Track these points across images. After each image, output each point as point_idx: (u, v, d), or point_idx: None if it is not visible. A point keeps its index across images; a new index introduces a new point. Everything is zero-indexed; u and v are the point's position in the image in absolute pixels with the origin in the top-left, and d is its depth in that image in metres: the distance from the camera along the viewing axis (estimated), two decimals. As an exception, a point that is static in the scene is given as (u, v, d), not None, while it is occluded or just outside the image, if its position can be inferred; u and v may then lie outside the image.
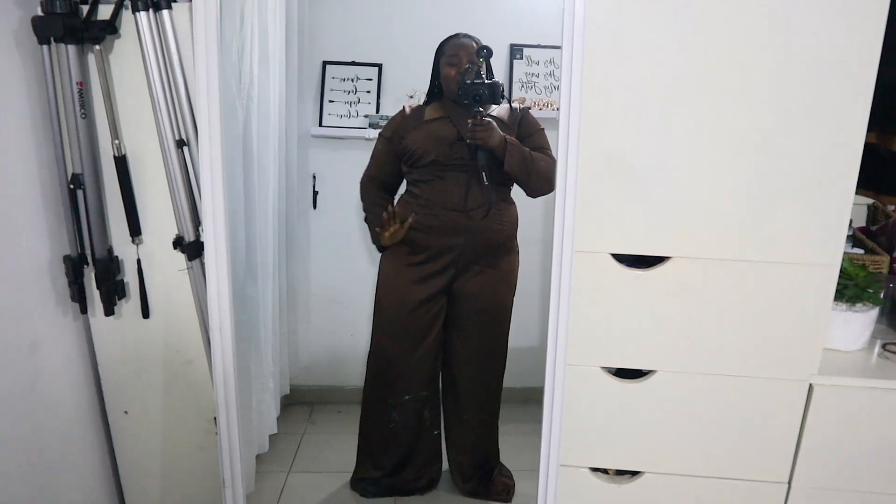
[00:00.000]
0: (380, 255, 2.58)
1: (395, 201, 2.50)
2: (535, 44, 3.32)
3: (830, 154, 1.59)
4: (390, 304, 2.49)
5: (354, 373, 3.46)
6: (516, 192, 2.50)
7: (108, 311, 1.85)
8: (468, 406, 2.61)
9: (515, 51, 3.33)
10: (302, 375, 3.42)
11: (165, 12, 1.72)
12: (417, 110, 2.46)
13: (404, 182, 2.56)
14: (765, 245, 1.66)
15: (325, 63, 3.25)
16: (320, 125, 3.25)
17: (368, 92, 3.28)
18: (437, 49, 2.44)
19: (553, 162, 2.30)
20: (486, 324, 2.53)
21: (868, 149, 1.61)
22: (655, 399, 1.78)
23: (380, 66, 3.26)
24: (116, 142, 1.78)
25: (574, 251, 1.69)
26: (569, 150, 1.64)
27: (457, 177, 2.34)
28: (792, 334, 1.70)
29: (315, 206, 3.33)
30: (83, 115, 1.71)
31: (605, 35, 1.58)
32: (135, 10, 1.69)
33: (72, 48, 1.68)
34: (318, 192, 3.30)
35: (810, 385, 1.72)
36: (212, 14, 1.61)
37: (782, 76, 1.56)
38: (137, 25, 1.70)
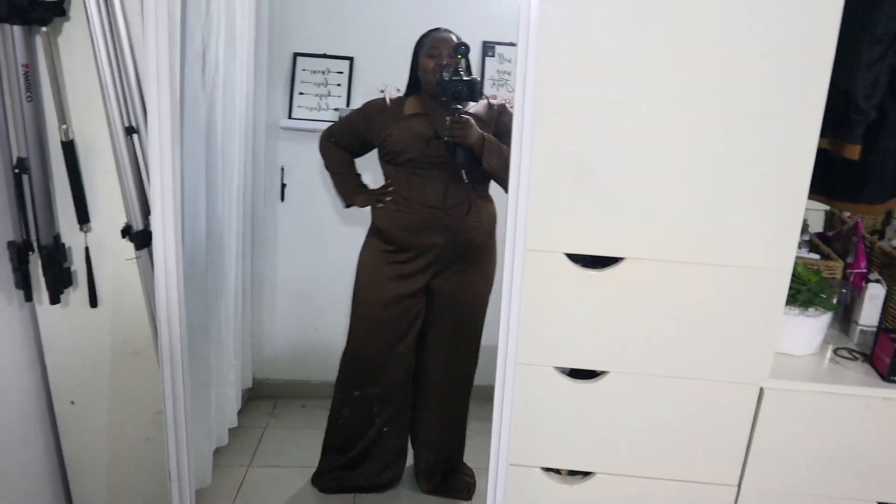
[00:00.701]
0: (355, 248, 2.56)
1: (378, 189, 2.46)
2: (508, 41, 3.28)
3: (783, 158, 1.57)
4: (369, 301, 2.46)
5: (319, 367, 3.41)
6: (494, 191, 2.48)
7: (54, 300, 1.79)
8: (438, 403, 2.61)
9: (488, 48, 3.30)
10: (266, 369, 3.37)
11: (115, -8, 1.67)
12: (397, 102, 2.42)
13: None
14: (718, 248, 1.64)
15: (295, 55, 3.21)
16: (290, 117, 3.22)
17: (339, 85, 3.24)
18: (417, 42, 2.40)
19: None
20: (461, 322, 2.51)
21: (822, 155, 1.60)
22: (608, 400, 1.76)
23: (351, 59, 3.23)
24: (64, 126, 1.72)
25: (526, 250, 1.66)
26: (522, 148, 1.62)
27: (433, 175, 2.31)
28: (743, 338, 1.69)
29: (283, 199, 3.28)
30: (29, 99, 1.66)
31: (559, 33, 1.56)
32: (82, -10, 1.64)
33: (17, 29, 1.62)
34: (286, 185, 3.25)
35: (761, 388, 1.71)
36: (163, -6, 1.57)
37: (735, 79, 1.54)
38: (86, 7, 1.64)
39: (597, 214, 1.65)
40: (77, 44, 1.73)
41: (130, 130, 1.73)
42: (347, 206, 2.52)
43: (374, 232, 2.47)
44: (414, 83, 2.44)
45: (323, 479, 2.66)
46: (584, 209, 1.65)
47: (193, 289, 2.27)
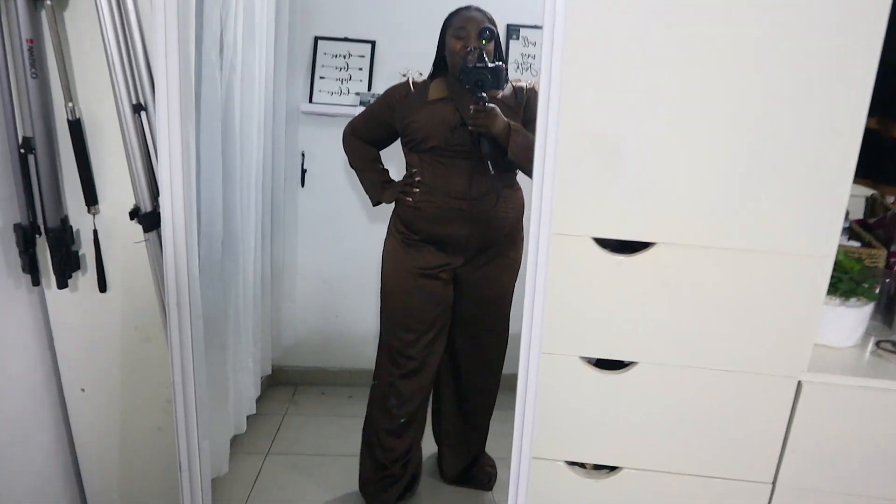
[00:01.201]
0: (376, 235, 2.45)
1: (402, 180, 2.32)
2: (533, 24, 3.16)
3: (828, 139, 1.45)
4: (397, 293, 2.32)
5: (340, 354, 3.33)
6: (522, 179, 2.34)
7: (62, 284, 1.70)
8: (465, 396, 2.49)
9: (512, 31, 3.18)
10: (286, 356, 3.29)
11: (122, -34, 1.57)
12: (422, 86, 2.26)
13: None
14: (756, 233, 1.53)
15: (316, 38, 3.12)
16: (310, 102, 3.12)
17: (360, 69, 3.14)
18: (445, 20, 2.23)
19: None
20: (488, 313, 2.38)
21: (868, 135, 1.48)
22: (636, 392, 1.66)
23: (373, 43, 3.12)
24: (70, 104, 1.62)
25: (552, 234, 1.54)
26: (548, 129, 1.50)
27: (459, 164, 2.15)
28: (781, 328, 1.57)
29: (303, 185, 3.19)
30: (34, 75, 1.56)
31: (587, 8, 1.44)
32: (89, -36, 1.54)
33: (21, 3, 1.51)
34: (306, 171, 3.16)
35: (799, 382, 1.60)
36: (169, -32, 1.46)
37: (775, 53, 1.42)
38: (92, -19, 1.55)
39: (627, 197, 1.54)
40: (83, 18, 1.63)
41: (138, 108, 1.62)
42: (376, 204, 2.36)
43: (397, 223, 2.32)
44: (440, 64, 2.28)
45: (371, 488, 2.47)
46: (614, 191, 1.54)
47: (210, 275, 2.18)
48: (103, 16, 1.54)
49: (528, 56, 3.20)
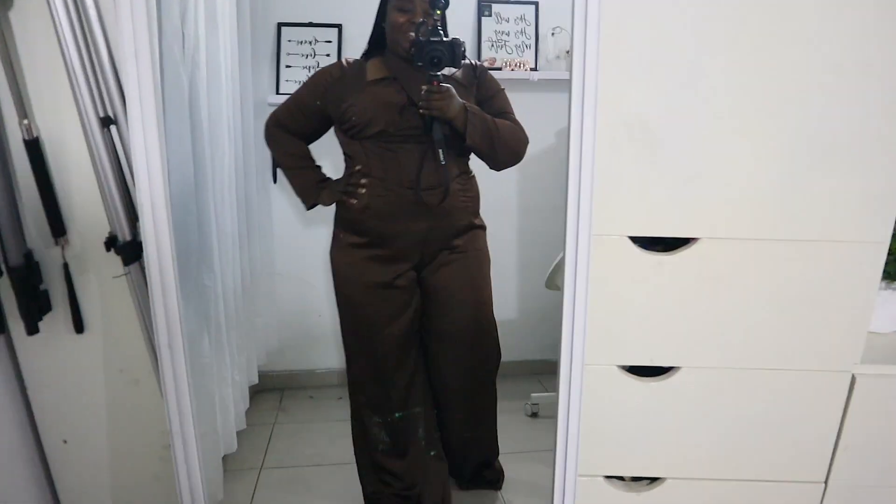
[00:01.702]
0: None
1: (343, 178, 1.98)
2: (505, -1, 2.93)
3: (881, 118, 1.32)
4: (352, 307, 2.00)
5: (326, 354, 3.11)
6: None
7: (31, 329, 1.43)
8: (463, 402, 2.15)
9: (484, 7, 2.94)
10: (270, 361, 3.04)
11: (77, -43, 1.28)
12: (357, 66, 1.91)
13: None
14: (804, 222, 1.39)
15: (279, 25, 2.84)
16: (277, 92, 2.86)
17: (328, 55, 2.88)
18: None
19: (519, 129, 1.91)
20: (468, 314, 2.03)
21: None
22: (679, 398, 1.52)
23: (339, 26, 2.87)
24: (26, 122, 1.34)
25: (591, 236, 1.35)
26: (584, 117, 1.30)
27: (409, 149, 1.83)
28: (834, 321, 1.44)
29: (275, 180, 2.90)
30: (-22, 90, 1.29)
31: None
32: (36, -46, 1.25)
33: (-44, 4, 1.25)
34: (279, 166, 2.88)
35: (853, 376, 1.48)
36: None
37: (831, 32, 1.28)
38: (41, -27, 1.26)
39: (666, 190, 1.38)
40: (35, 21, 1.34)
41: (107, 121, 1.35)
42: (311, 206, 2.03)
43: (342, 223, 1.98)
44: (376, 42, 1.95)
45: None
46: (652, 185, 1.37)
47: (186, 291, 1.92)
48: (58, 16, 1.26)
49: (502, 33, 2.97)
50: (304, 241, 3.00)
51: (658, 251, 1.44)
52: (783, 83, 1.31)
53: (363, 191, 1.86)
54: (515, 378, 3.02)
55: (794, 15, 1.27)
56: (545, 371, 3.15)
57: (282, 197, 2.94)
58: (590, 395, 1.48)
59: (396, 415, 2.05)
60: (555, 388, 2.94)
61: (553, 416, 2.77)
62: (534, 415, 2.80)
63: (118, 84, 1.35)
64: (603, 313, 1.43)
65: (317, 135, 2.03)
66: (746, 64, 1.30)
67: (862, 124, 1.32)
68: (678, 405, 1.50)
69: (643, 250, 1.41)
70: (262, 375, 2.95)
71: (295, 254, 3.02)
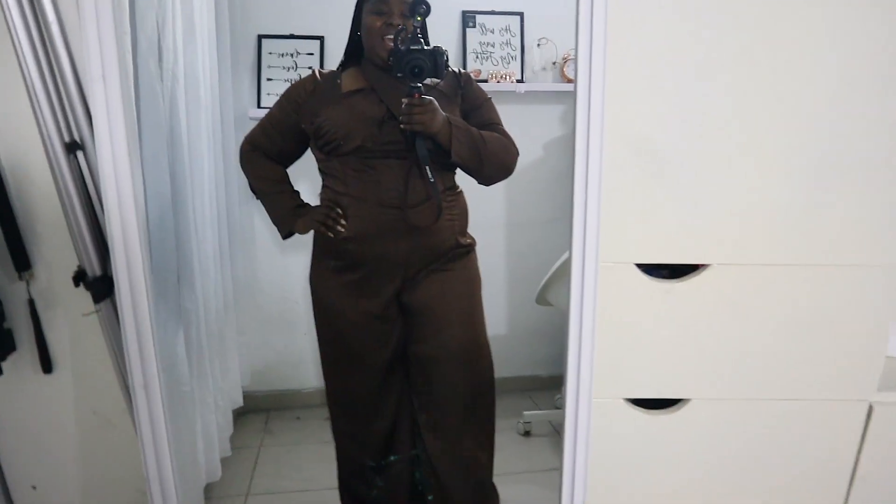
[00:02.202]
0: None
1: (321, 199, 1.81)
2: (489, 10, 2.82)
3: None
4: (330, 335, 1.86)
5: (312, 373, 2.98)
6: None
7: (-7, 371, 1.30)
8: (458, 432, 1.89)
9: (468, 18, 2.84)
10: (255, 381, 2.90)
11: (37, -32, 1.14)
12: (331, 77, 1.76)
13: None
14: (819, 245, 1.30)
15: (260, 37, 2.72)
16: (258, 106, 2.74)
17: (310, 68, 2.74)
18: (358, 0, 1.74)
19: (509, 141, 1.76)
20: (456, 337, 1.81)
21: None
22: (689, 431, 1.42)
23: (321, 38, 2.76)
24: (-17, 148, 1.21)
25: (599, 264, 1.24)
26: (590, 138, 1.18)
27: (390, 165, 1.67)
28: (848, 347, 1.35)
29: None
30: (-70, 115, 1.15)
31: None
32: (-8, -35, 1.11)
33: None
34: (260, 182, 2.75)
35: (870, 405, 1.38)
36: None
37: (842, 42, 1.19)
38: (-4, -14, 1.12)
39: (674, 215, 1.28)
40: (-11, 37, 1.20)
41: (73, 147, 1.21)
42: (287, 236, 1.85)
43: (320, 246, 1.82)
44: (353, 51, 1.78)
45: None
46: (660, 210, 1.27)
47: (166, 315, 1.78)
48: (16, 32, 1.12)
49: (487, 45, 2.86)
50: (289, 256, 2.87)
51: (663, 276, 1.33)
52: (793, 103, 1.22)
53: (342, 228, 1.70)
54: (507, 395, 2.89)
55: (805, 33, 1.18)
56: (536, 387, 3.04)
57: (264, 212, 2.80)
58: (596, 429, 1.38)
59: (391, 458, 1.91)
60: (547, 406, 2.85)
61: (546, 435, 2.69)
62: (526, 433, 2.68)
63: (85, 107, 1.21)
64: (609, 344, 1.32)
65: (295, 155, 1.87)
66: (755, 83, 1.20)
67: (875, 144, 1.23)
68: (688, 439, 1.40)
69: (650, 277, 1.30)
70: (246, 397, 2.81)
71: (279, 269, 2.90)
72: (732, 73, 1.20)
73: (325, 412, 2.88)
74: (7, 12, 1.11)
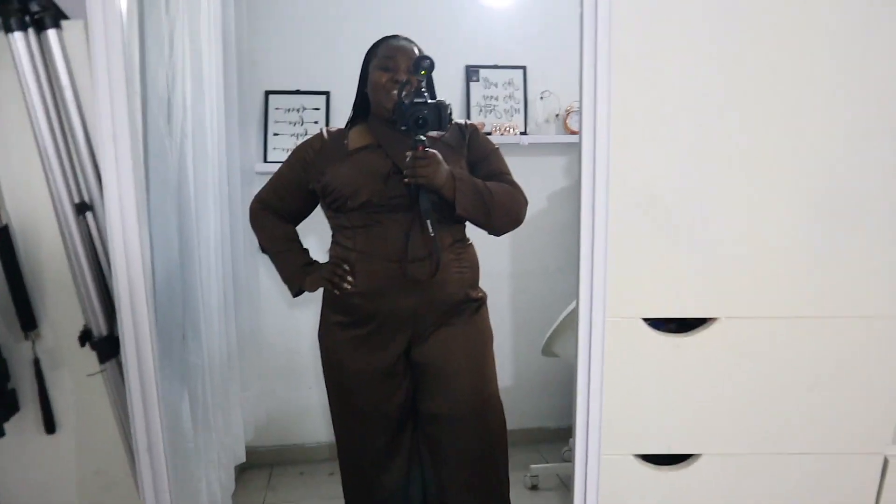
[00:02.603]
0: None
1: (329, 255, 1.80)
2: (492, 64, 2.87)
3: None
4: (339, 392, 1.84)
5: (316, 428, 2.94)
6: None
7: (-3, 432, 1.28)
8: (469, 499, 1.83)
9: (472, 72, 2.88)
10: (259, 436, 2.86)
11: (52, 32, 1.16)
12: (339, 136, 1.78)
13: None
14: (832, 297, 1.30)
15: (267, 93, 2.76)
16: (265, 160, 2.76)
17: (316, 123, 2.79)
18: (367, 53, 1.77)
19: (517, 190, 1.76)
20: (466, 394, 1.77)
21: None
22: (700, 488, 1.40)
23: (327, 93, 2.78)
24: (-6, 209, 1.22)
25: (606, 319, 1.23)
26: (595, 191, 1.19)
27: (397, 219, 1.67)
28: (862, 400, 1.34)
29: (263, 249, 2.79)
30: (-58, 177, 1.16)
31: (634, 54, 1.15)
32: (7, 30, 1.13)
33: (-83, 85, 1.13)
34: (265, 234, 2.76)
35: (885, 458, 1.37)
36: (115, 30, 1.08)
37: (851, 83, 1.21)
38: (13, 51, 1.14)
39: (681, 267, 1.29)
40: (4, 100, 1.22)
41: (83, 208, 1.22)
42: (297, 294, 1.84)
43: (328, 302, 1.81)
44: (360, 107, 1.82)
45: None
46: (667, 263, 1.28)
47: (171, 370, 1.77)
48: (30, 96, 1.15)
49: (491, 98, 2.90)
50: (294, 309, 2.86)
51: (671, 329, 1.33)
52: (802, 152, 1.23)
53: (349, 285, 1.70)
54: (513, 448, 2.83)
55: (816, 78, 1.19)
56: (543, 440, 3.00)
57: (269, 265, 2.80)
58: (606, 486, 1.35)
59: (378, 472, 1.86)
60: (554, 458, 2.80)
61: (553, 489, 2.63)
62: (534, 487, 2.63)
63: (95, 168, 1.23)
64: (617, 399, 1.31)
65: (304, 213, 1.88)
66: (763, 132, 1.22)
67: (887, 192, 1.23)
68: (700, 494, 1.38)
69: (658, 332, 1.30)
70: (249, 452, 2.77)
71: (283, 323, 2.88)
72: (739, 122, 1.21)
73: (330, 467, 2.85)
74: (22, 77, 1.14)
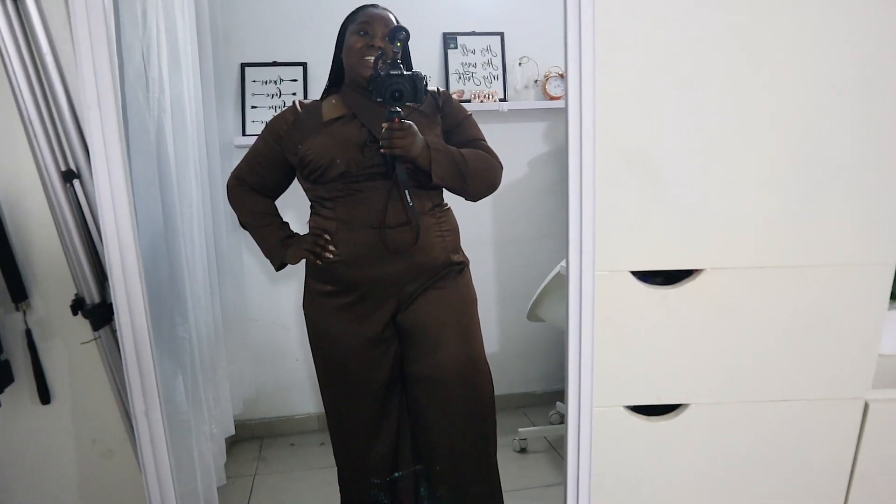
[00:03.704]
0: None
1: (309, 227, 1.82)
2: (470, 31, 2.87)
3: (887, 136, 1.26)
4: (328, 363, 1.85)
5: (304, 399, 2.96)
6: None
7: (-8, 404, 1.28)
8: (458, 461, 1.86)
9: (449, 40, 2.88)
10: (248, 409, 2.88)
11: (30, 1, 1.15)
12: (313, 108, 1.79)
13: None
14: (809, 247, 1.32)
15: (243, 65, 2.74)
16: (244, 134, 2.75)
17: (294, 94, 2.78)
18: (343, 22, 1.77)
19: (491, 156, 1.78)
20: (452, 356, 1.78)
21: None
22: (689, 437, 1.42)
23: (304, 64, 2.78)
24: (-21, 179, 1.21)
25: (595, 273, 1.26)
26: (583, 150, 1.21)
27: (377, 187, 1.68)
28: (842, 346, 1.36)
29: (244, 223, 2.79)
30: (-76, 147, 1.15)
31: (619, 11, 1.17)
32: (-16, -2, 1.12)
33: None
34: (247, 208, 2.75)
35: (865, 402, 1.39)
36: (94, -6, 1.07)
37: (831, 44, 1.22)
38: (-10, 19, 1.13)
39: (668, 222, 1.30)
40: (-17, 68, 1.21)
41: (69, 176, 1.22)
42: (280, 267, 1.84)
43: (312, 272, 1.82)
44: (335, 78, 1.83)
45: None
46: (652, 217, 1.29)
47: (160, 344, 1.77)
48: (11, 65, 1.13)
49: (469, 65, 2.90)
50: (278, 283, 2.87)
51: (658, 283, 1.35)
52: (784, 106, 1.24)
53: (330, 254, 1.71)
54: (501, 413, 2.88)
55: (794, 36, 1.21)
56: (530, 404, 3.05)
57: (251, 239, 2.80)
58: (598, 437, 1.38)
59: (396, 475, 1.90)
60: (542, 422, 2.85)
61: (542, 451, 2.68)
62: (522, 450, 2.68)
63: (80, 135, 1.22)
64: (607, 352, 1.34)
65: (281, 187, 1.88)
66: (743, 92, 1.23)
67: (865, 144, 1.26)
68: (688, 444, 1.41)
69: (646, 284, 1.32)
70: (239, 425, 2.79)
71: (268, 297, 2.89)
72: (721, 82, 1.22)
73: (320, 438, 2.88)
74: (1, 44, 1.12)
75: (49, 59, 1.18)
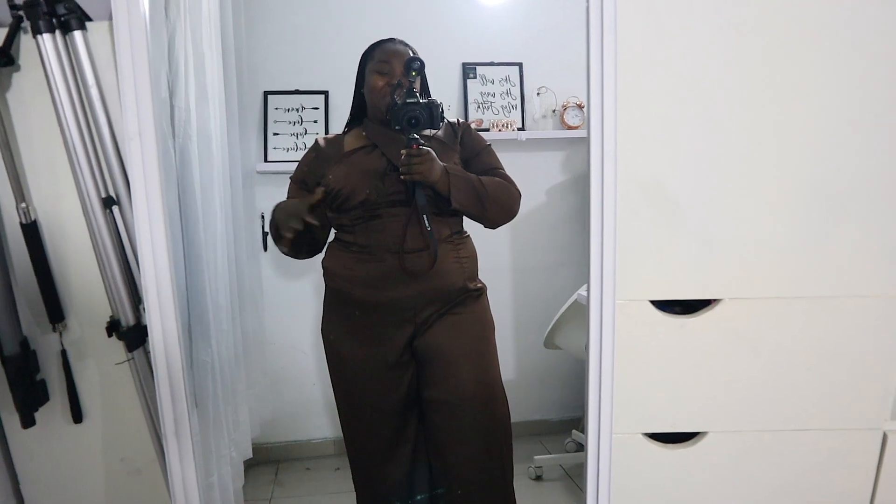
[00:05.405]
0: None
1: (325, 251, 1.87)
2: (489, 61, 2.93)
3: None
4: (346, 388, 1.88)
5: (321, 423, 2.99)
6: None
7: (27, 422, 1.32)
8: (474, 486, 1.86)
9: (468, 69, 2.94)
10: (265, 433, 2.91)
11: (77, 34, 1.21)
12: (335, 141, 1.85)
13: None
14: (827, 278, 1.34)
15: (266, 93, 2.80)
16: (265, 160, 2.80)
17: (315, 122, 2.84)
18: (362, 57, 1.84)
19: (510, 184, 1.82)
20: (468, 382, 1.80)
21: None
22: (707, 465, 1.44)
23: (326, 93, 2.83)
24: (23, 205, 1.26)
25: (616, 302, 1.29)
26: (604, 181, 1.25)
27: (397, 213, 1.73)
28: (860, 377, 1.38)
29: (266, 248, 2.85)
30: (-27, 174, 1.21)
31: (638, 48, 1.21)
32: (36, 32, 1.18)
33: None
34: (267, 233, 2.81)
35: (884, 433, 1.40)
36: (139, 30, 1.13)
37: (844, 75, 1.26)
38: (41, 52, 1.19)
39: (687, 252, 1.34)
40: (32, 99, 1.27)
41: (109, 202, 1.28)
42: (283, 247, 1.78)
43: (331, 297, 1.87)
44: (357, 112, 1.90)
45: None
46: (671, 247, 1.33)
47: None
48: (58, 94, 1.20)
49: (488, 94, 2.96)
50: (295, 308, 2.91)
51: (676, 312, 1.39)
52: (800, 139, 1.28)
53: (346, 252, 1.76)
54: (516, 440, 2.89)
55: (811, 72, 1.25)
56: (546, 432, 3.06)
57: (272, 265, 2.86)
58: (617, 465, 1.41)
59: (418, 497, 1.92)
60: (557, 450, 2.86)
61: (557, 479, 2.70)
62: (538, 478, 2.69)
63: (120, 164, 1.28)
64: (626, 380, 1.37)
65: (321, 227, 1.85)
66: (760, 124, 1.28)
67: (881, 178, 1.29)
68: (706, 472, 1.43)
69: (664, 314, 1.36)
70: (256, 448, 2.82)
71: (286, 322, 2.93)
72: (739, 114, 1.27)
73: (336, 462, 2.91)
74: (50, 76, 1.19)
75: (94, 91, 1.25)
